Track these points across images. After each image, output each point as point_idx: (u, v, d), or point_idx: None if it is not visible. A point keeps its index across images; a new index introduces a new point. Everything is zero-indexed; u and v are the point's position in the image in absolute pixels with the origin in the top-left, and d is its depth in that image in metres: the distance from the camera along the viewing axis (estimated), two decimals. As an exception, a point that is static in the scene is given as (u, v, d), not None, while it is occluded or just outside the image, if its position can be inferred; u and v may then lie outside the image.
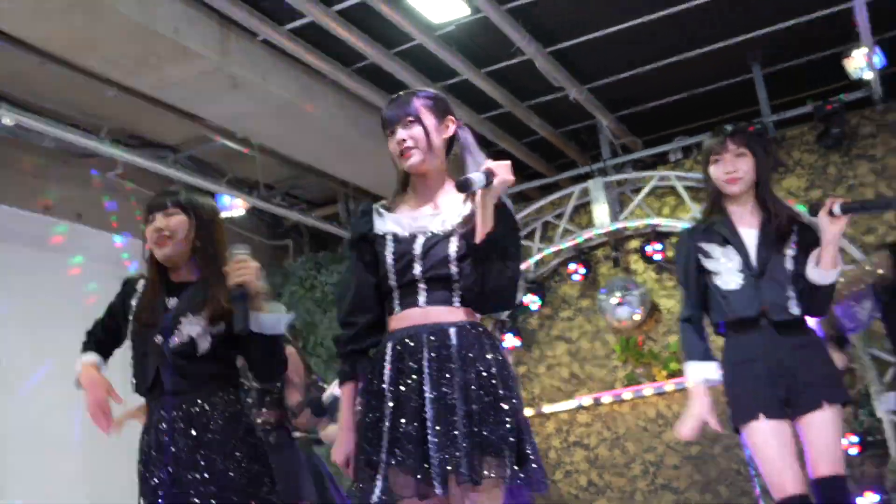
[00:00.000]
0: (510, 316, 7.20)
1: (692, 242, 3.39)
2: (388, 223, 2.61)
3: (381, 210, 2.66)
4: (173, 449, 2.86)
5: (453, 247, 2.51)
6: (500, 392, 2.44)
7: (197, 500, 2.78)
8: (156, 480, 2.85)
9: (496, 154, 7.43)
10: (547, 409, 7.03)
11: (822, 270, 3.14)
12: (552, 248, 7.06)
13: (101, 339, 3.11)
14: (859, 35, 5.81)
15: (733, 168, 3.29)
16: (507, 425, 2.40)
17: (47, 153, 6.15)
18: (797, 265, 3.24)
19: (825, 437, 3.16)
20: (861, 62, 6.35)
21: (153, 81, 5.24)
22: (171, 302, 2.96)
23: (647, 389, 6.79)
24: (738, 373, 3.29)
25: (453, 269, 2.51)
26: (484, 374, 2.46)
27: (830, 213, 3.06)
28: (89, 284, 6.24)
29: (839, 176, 6.56)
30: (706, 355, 3.31)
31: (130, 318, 3.02)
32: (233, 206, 7.03)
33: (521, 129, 7.16)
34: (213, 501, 2.78)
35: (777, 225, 3.28)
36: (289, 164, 7.09)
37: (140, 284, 3.07)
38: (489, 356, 2.49)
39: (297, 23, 5.32)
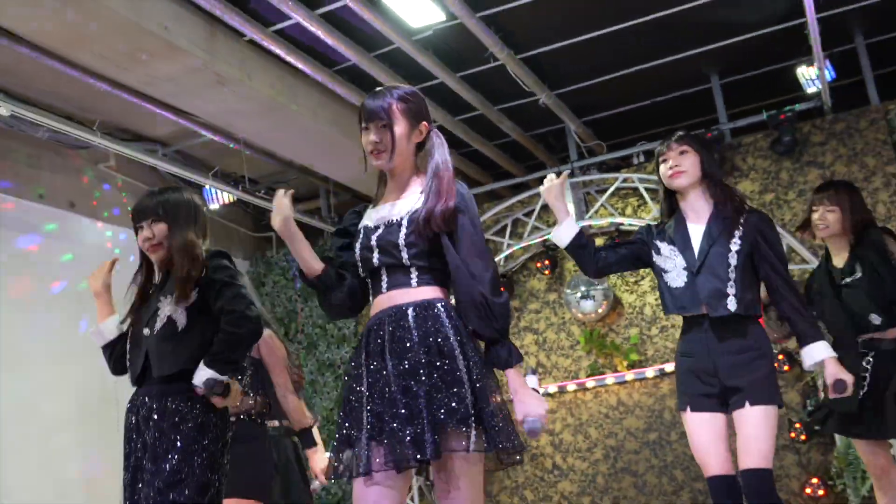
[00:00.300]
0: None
1: (650, 239, 3.47)
2: (365, 219, 2.68)
3: (367, 209, 2.72)
4: (146, 435, 2.93)
5: (402, 232, 2.53)
6: (458, 363, 2.44)
7: (159, 484, 2.84)
8: (131, 460, 2.97)
9: (469, 154, 7.50)
10: (514, 396, 7.06)
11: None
12: (521, 244, 7.10)
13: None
14: (811, 49, 5.84)
15: (676, 163, 3.36)
16: (465, 398, 2.40)
17: (41, 144, 6.14)
18: (740, 258, 3.26)
19: (750, 433, 3.20)
20: (812, 75, 6.45)
21: (142, 77, 5.23)
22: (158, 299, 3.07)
23: (609, 379, 6.82)
24: (681, 364, 3.40)
25: (403, 254, 2.53)
26: (441, 348, 2.46)
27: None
28: (83, 270, 6.26)
29: (790, 181, 6.61)
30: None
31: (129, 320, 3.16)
32: (217, 199, 7.05)
33: (493, 131, 7.17)
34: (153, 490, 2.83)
35: (723, 217, 3.31)
36: (273, 160, 7.09)
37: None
38: (446, 330, 2.49)
39: (282, 24, 5.32)
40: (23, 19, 4.54)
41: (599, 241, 7.01)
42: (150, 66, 5.10)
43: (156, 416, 2.93)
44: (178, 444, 2.85)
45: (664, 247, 3.39)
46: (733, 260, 3.26)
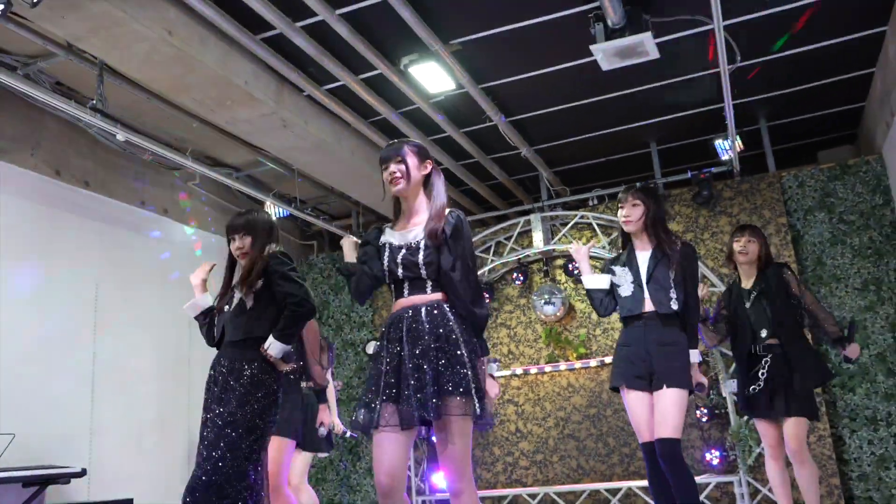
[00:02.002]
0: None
1: (608, 266, 3.65)
2: (387, 236, 2.73)
3: (386, 228, 2.78)
4: (216, 388, 3.00)
5: (421, 256, 2.61)
6: (458, 352, 2.51)
7: (219, 422, 2.90)
8: (208, 403, 3.03)
9: (466, 191, 7.55)
10: (489, 375, 7.07)
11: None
12: (501, 261, 7.11)
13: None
14: (727, 127, 5.88)
15: (627, 213, 3.51)
16: (466, 375, 2.48)
17: (145, 164, 6.20)
18: (676, 276, 3.39)
19: (665, 410, 3.25)
20: (726, 146, 6.51)
21: (226, 118, 5.28)
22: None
23: (562, 366, 6.82)
24: (620, 352, 3.48)
25: (422, 271, 2.61)
26: (446, 338, 2.53)
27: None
28: (171, 262, 6.30)
29: (706, 225, 6.65)
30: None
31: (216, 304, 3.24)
32: (275, 213, 7.11)
33: (485, 175, 7.22)
34: (220, 422, 2.90)
35: (662, 251, 3.44)
36: (318, 186, 7.13)
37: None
38: (451, 326, 2.56)
39: (332, 85, 5.39)
40: (140, 70, 4.59)
41: (560, 262, 7.11)
42: (232, 111, 5.15)
43: (224, 371, 2.99)
44: (237, 393, 2.92)
45: (618, 269, 3.54)
46: (672, 274, 3.39)
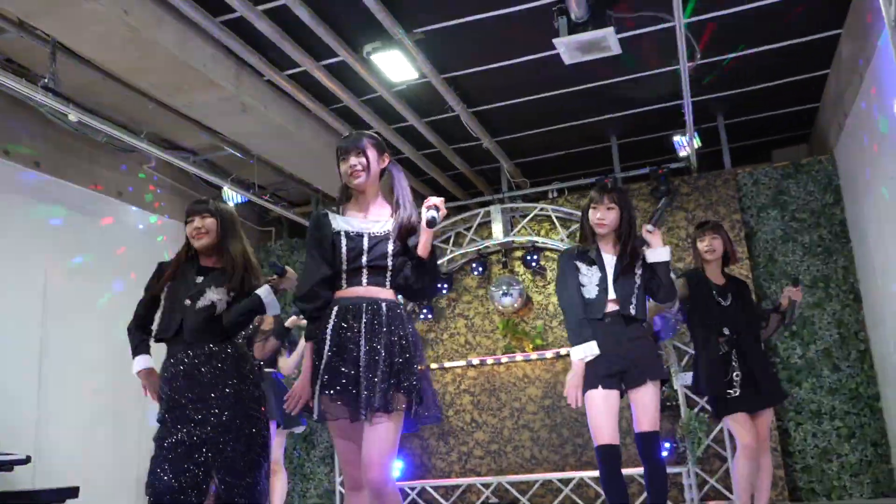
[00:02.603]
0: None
1: (571, 261, 3.45)
2: (340, 223, 2.68)
3: (333, 214, 2.72)
4: (198, 375, 2.92)
5: (390, 247, 2.62)
6: (412, 353, 2.57)
7: (216, 411, 2.86)
8: (186, 397, 2.89)
9: (427, 180, 7.54)
10: (447, 364, 7.09)
11: (655, 251, 3.36)
12: (460, 251, 7.12)
13: (143, 316, 3.17)
14: (685, 124, 6.00)
15: (603, 217, 3.36)
16: (415, 376, 2.53)
17: (99, 146, 6.06)
18: (640, 283, 3.36)
19: (646, 404, 3.23)
20: (684, 143, 6.59)
21: (184, 101, 5.18)
22: (199, 279, 3.04)
23: (518, 357, 6.87)
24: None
25: (389, 262, 2.62)
26: (402, 339, 2.57)
27: (647, 232, 3.34)
28: (124, 246, 6.18)
29: (663, 220, 6.75)
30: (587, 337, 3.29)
31: (165, 287, 3.08)
32: (232, 199, 7.01)
33: (446, 165, 7.22)
34: (222, 413, 2.86)
35: (629, 257, 3.35)
36: (277, 172, 7.04)
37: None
38: (407, 327, 2.62)
39: (293, 70, 5.32)
40: (97, 50, 4.48)
41: (519, 254, 7.13)
42: (190, 94, 5.06)
43: (203, 360, 2.94)
44: (228, 376, 2.95)
45: (584, 267, 3.39)
46: (637, 281, 3.37)
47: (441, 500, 6.68)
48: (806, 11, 5.00)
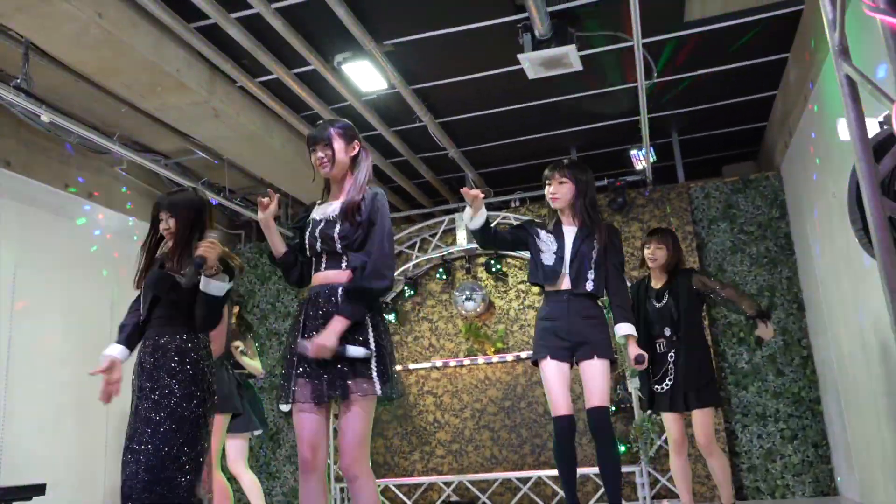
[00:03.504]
0: (392, 300, 7.25)
1: (531, 228, 3.49)
2: (314, 212, 2.71)
3: (315, 205, 2.75)
4: (146, 365, 2.87)
5: (337, 229, 2.57)
6: (368, 332, 2.50)
7: (148, 405, 2.78)
8: (137, 385, 2.88)
9: (394, 188, 7.52)
10: (411, 366, 7.07)
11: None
12: (426, 257, 7.11)
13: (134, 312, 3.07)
14: (642, 139, 6.06)
15: (555, 191, 3.40)
16: (370, 356, 2.47)
17: (72, 147, 5.92)
18: (597, 257, 3.32)
19: (595, 379, 3.21)
20: (640, 157, 6.67)
21: (157, 105, 5.10)
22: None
23: (480, 359, 6.88)
24: (541, 325, 3.36)
25: (337, 245, 2.57)
26: (357, 323, 2.49)
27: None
28: (94, 246, 6.04)
29: (620, 229, 6.76)
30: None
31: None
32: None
33: (413, 173, 7.21)
34: (156, 411, 2.76)
35: (589, 230, 3.35)
36: (248, 176, 6.97)
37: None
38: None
39: (266, 77, 5.28)
40: (69, 52, 4.38)
41: (482, 260, 7.15)
42: (163, 97, 4.98)
43: (150, 350, 2.89)
44: (172, 369, 2.85)
45: (544, 234, 3.39)
46: (594, 256, 3.33)
47: (404, 499, 6.64)
48: (755, 36, 5.11)
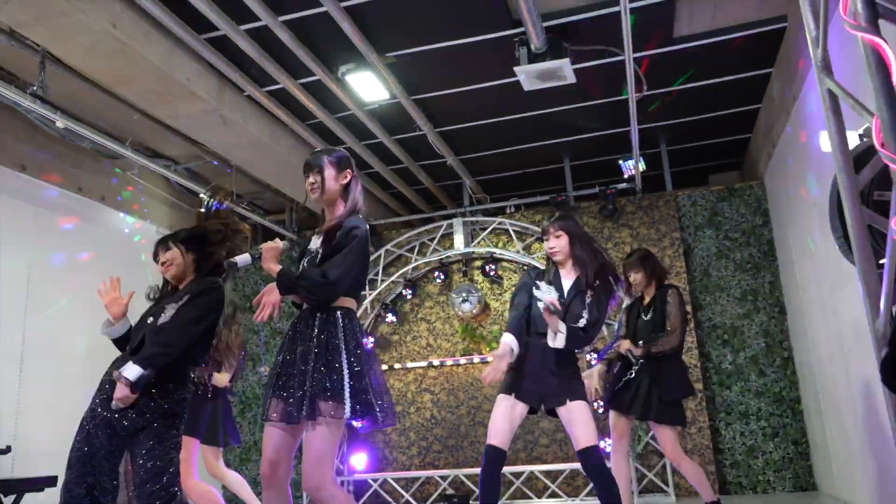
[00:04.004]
0: (392, 301, 7.25)
1: (531, 279, 3.38)
2: (310, 244, 2.71)
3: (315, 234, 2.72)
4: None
5: (318, 258, 2.59)
6: (341, 356, 2.44)
7: (127, 423, 2.66)
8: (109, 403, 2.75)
9: (395, 194, 7.52)
10: (410, 365, 7.07)
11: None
12: (424, 260, 7.11)
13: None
14: (631, 149, 6.06)
15: (553, 245, 3.35)
16: (342, 380, 2.40)
17: (85, 152, 5.92)
18: (589, 307, 3.23)
19: (581, 420, 3.08)
20: (630, 166, 6.67)
21: (168, 112, 5.10)
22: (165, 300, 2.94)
23: (476, 358, 6.88)
24: (517, 364, 3.24)
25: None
26: (326, 345, 2.46)
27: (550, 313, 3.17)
28: (106, 248, 6.04)
29: (610, 235, 6.82)
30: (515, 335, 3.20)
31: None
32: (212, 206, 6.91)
33: (413, 180, 7.21)
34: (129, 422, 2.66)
35: (585, 282, 3.28)
36: (254, 182, 6.97)
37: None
38: (338, 331, 2.49)
39: (272, 87, 5.28)
40: (84, 61, 4.38)
41: (478, 263, 7.15)
42: (174, 106, 4.99)
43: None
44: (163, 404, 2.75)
45: (543, 285, 3.25)
46: (585, 315, 3.23)
47: (401, 491, 6.63)
48: (741, 51, 5.13)
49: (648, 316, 4.09)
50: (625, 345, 4.05)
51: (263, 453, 2.47)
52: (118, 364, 2.79)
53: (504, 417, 3.16)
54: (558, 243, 3.35)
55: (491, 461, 3.12)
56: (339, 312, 2.53)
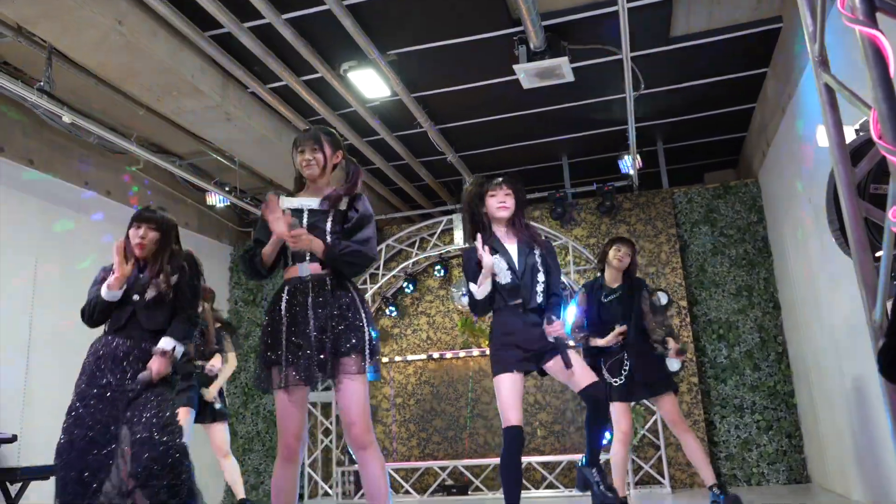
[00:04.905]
0: (392, 295, 7.24)
1: (473, 254, 3.10)
2: (285, 202, 2.57)
3: (283, 197, 2.60)
4: (125, 363, 2.85)
5: (329, 223, 2.52)
6: (360, 317, 2.47)
7: (129, 392, 2.79)
8: (104, 378, 2.84)
9: (395, 189, 7.50)
10: (410, 357, 7.06)
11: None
12: (424, 255, 7.10)
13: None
14: (629, 147, 6.06)
15: (503, 200, 3.11)
16: (362, 339, 2.45)
17: (90, 146, 5.90)
18: (543, 267, 3.11)
19: (578, 363, 3.02)
20: (628, 164, 6.64)
21: (172, 108, 5.08)
22: (140, 276, 2.97)
23: (475, 351, 6.87)
24: (503, 340, 3.08)
25: (328, 238, 2.50)
26: (349, 306, 2.47)
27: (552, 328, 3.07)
28: (111, 241, 6.01)
29: (607, 231, 6.81)
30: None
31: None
32: (216, 200, 6.89)
33: (414, 176, 7.19)
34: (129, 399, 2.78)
35: (529, 245, 3.12)
36: (257, 177, 6.95)
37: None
38: (352, 294, 2.51)
39: (276, 84, 5.26)
40: (90, 56, 4.36)
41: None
42: (179, 101, 4.96)
43: (137, 356, 2.88)
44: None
45: (489, 258, 3.05)
46: (540, 269, 3.12)
47: (401, 482, 6.63)
48: (736, 51, 5.10)
49: (609, 300, 4.04)
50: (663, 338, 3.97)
51: (286, 428, 2.42)
52: (119, 342, 2.88)
53: (513, 395, 3.02)
54: (508, 200, 3.10)
55: (514, 440, 3.00)
56: (343, 278, 2.54)
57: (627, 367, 3.92)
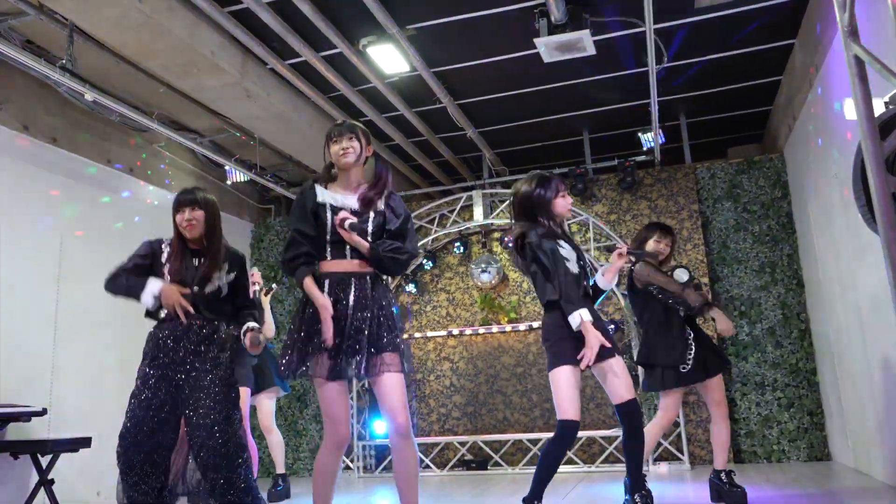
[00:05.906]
0: (412, 272, 7.27)
1: (553, 243, 3.08)
2: (325, 196, 2.65)
3: (319, 187, 2.68)
4: (191, 345, 2.91)
5: (370, 225, 2.61)
6: (395, 319, 2.62)
7: (193, 374, 2.87)
8: (167, 360, 2.89)
9: (415, 166, 7.48)
10: (430, 334, 7.10)
11: (605, 282, 3.19)
12: (444, 231, 7.09)
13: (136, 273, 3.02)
14: (651, 122, 5.99)
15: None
16: (397, 337, 2.59)
17: (112, 124, 5.94)
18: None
19: (624, 373, 3.00)
20: (649, 139, 6.60)
21: (192, 85, 5.10)
22: (196, 262, 3.00)
23: (494, 328, 6.88)
24: (561, 334, 3.00)
25: (368, 238, 2.60)
26: (386, 308, 2.61)
27: (620, 254, 3.16)
28: (135, 218, 6.09)
29: (628, 207, 6.77)
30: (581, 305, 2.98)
31: (165, 270, 2.97)
32: (236, 177, 6.94)
33: (433, 152, 7.17)
34: (201, 379, 2.86)
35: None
36: (277, 154, 6.98)
37: (164, 247, 3.04)
38: (389, 296, 2.67)
39: (295, 60, 5.25)
40: (110, 34, 4.38)
41: (497, 235, 7.14)
42: (198, 79, 4.98)
43: (196, 340, 2.94)
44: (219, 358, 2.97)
45: (564, 246, 3.10)
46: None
47: (422, 456, 6.70)
48: (762, 22, 4.99)
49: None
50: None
51: (338, 419, 2.53)
52: (180, 328, 2.92)
53: (573, 388, 2.97)
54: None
55: (571, 435, 2.96)
56: (383, 279, 2.68)
57: (692, 352, 3.78)
